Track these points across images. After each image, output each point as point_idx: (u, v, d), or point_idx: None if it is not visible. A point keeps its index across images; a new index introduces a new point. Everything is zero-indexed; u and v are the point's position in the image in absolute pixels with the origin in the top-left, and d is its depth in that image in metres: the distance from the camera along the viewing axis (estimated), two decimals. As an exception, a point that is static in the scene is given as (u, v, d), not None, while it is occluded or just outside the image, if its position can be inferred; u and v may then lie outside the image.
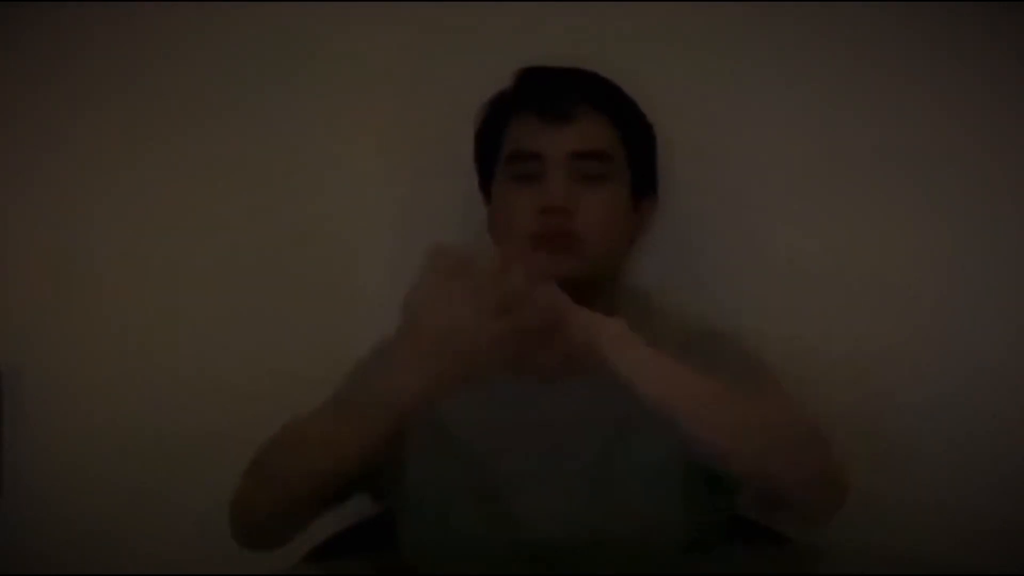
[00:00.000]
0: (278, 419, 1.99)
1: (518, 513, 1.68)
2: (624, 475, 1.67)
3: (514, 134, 1.79)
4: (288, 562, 1.78)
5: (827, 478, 1.60)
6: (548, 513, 1.67)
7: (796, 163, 1.99)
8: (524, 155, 1.77)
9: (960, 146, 1.96)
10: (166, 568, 1.99)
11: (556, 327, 1.58)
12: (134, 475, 2.02)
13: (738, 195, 1.99)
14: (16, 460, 2.02)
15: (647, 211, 1.86)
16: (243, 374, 2.03)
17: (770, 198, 1.99)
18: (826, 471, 1.60)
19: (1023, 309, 1.96)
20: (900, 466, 1.95)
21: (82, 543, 2.01)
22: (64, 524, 2.02)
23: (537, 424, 1.71)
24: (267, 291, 2.04)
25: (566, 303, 1.59)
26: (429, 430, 1.69)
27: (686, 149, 1.95)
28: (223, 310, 2.04)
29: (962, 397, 1.95)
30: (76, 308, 2.04)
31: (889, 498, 1.95)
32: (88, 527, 2.02)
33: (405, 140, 2.03)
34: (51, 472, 2.03)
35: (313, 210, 2.04)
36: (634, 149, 1.81)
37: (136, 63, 2.05)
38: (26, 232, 2.05)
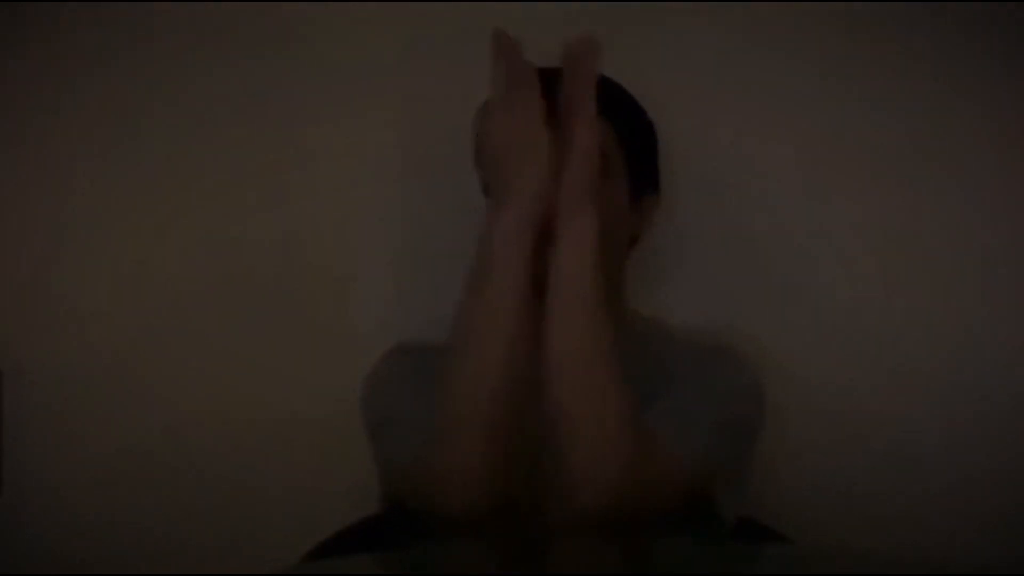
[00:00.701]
0: (278, 418, 2.02)
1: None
2: None
3: (513, 134, 1.79)
4: (288, 562, 1.78)
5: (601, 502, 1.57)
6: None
7: (800, 162, 1.99)
8: None
9: (969, 146, 1.96)
10: (166, 568, 1.99)
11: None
12: (134, 475, 2.03)
13: (741, 194, 1.99)
14: (16, 460, 2.03)
15: (648, 210, 1.85)
16: (242, 373, 2.04)
17: (774, 197, 1.99)
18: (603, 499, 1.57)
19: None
20: (900, 467, 1.96)
21: (82, 542, 2.01)
22: (64, 523, 2.02)
23: None
24: (265, 293, 2.05)
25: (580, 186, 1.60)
26: None
27: (688, 148, 1.95)
28: (221, 310, 2.04)
29: (963, 398, 1.95)
30: (76, 308, 2.04)
31: (889, 498, 1.96)
32: (88, 527, 2.02)
33: (405, 141, 2.03)
34: (51, 472, 2.03)
35: (312, 211, 2.04)
36: (633, 148, 1.80)
37: (133, 63, 2.05)
38: (26, 232, 2.05)
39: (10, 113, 2.05)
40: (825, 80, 1.98)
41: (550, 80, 1.79)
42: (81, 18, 2.04)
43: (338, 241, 2.04)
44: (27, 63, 2.05)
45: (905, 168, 1.97)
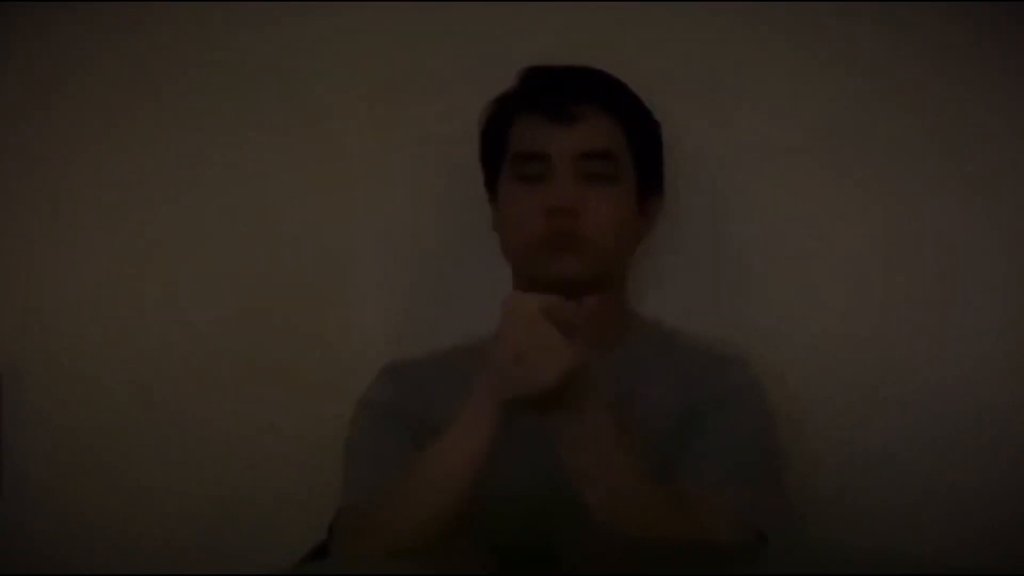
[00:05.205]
0: (276, 416, 2.02)
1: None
2: None
3: (520, 134, 1.79)
4: (288, 562, 1.78)
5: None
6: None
7: (801, 163, 1.98)
8: (530, 155, 1.77)
9: (972, 151, 1.95)
10: (166, 567, 1.99)
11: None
12: (134, 475, 2.02)
13: (742, 195, 1.99)
14: (16, 460, 2.02)
15: (653, 211, 1.85)
16: (242, 372, 2.04)
17: (775, 198, 1.99)
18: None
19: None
20: (900, 466, 1.95)
21: (82, 542, 2.01)
22: (64, 523, 2.02)
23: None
24: (265, 292, 2.05)
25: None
26: None
27: (691, 149, 1.95)
28: (221, 310, 2.04)
29: (963, 396, 1.94)
30: (76, 308, 2.04)
31: (888, 498, 1.96)
32: (88, 527, 2.02)
33: (405, 140, 2.04)
34: (51, 472, 2.03)
35: (313, 212, 2.05)
36: (640, 148, 1.80)
37: (132, 66, 2.04)
38: (26, 233, 2.05)
39: (11, 112, 2.05)
40: (831, 79, 1.97)
41: (553, 77, 1.80)
42: (78, 16, 2.04)
43: (337, 245, 2.05)
44: (39, 65, 2.04)
45: (908, 173, 1.97)
